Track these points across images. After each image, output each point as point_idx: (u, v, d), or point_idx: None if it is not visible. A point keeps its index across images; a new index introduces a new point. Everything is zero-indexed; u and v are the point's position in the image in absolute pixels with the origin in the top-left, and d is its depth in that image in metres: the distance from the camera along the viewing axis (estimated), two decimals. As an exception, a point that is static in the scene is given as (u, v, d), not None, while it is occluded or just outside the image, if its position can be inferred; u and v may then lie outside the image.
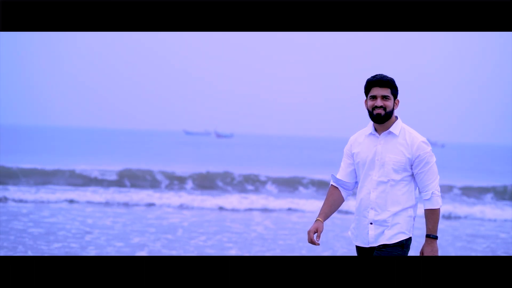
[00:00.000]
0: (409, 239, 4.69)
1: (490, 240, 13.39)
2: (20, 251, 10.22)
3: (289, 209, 17.43)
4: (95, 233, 12.33)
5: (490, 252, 11.88)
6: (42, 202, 16.93)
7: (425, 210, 4.69)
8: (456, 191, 22.23)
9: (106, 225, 13.38)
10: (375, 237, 4.70)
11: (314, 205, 17.83)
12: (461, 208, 18.06)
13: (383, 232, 4.67)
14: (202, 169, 24.45)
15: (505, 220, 16.85)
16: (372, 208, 4.71)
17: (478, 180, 26.88)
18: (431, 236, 4.65)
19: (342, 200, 4.92)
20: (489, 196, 21.94)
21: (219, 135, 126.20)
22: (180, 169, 23.65)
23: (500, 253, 11.82)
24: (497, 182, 24.79)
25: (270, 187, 22.30)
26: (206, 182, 22.25)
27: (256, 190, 21.82)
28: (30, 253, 10.10)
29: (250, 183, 22.45)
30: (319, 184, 22.61)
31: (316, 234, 4.74)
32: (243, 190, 21.61)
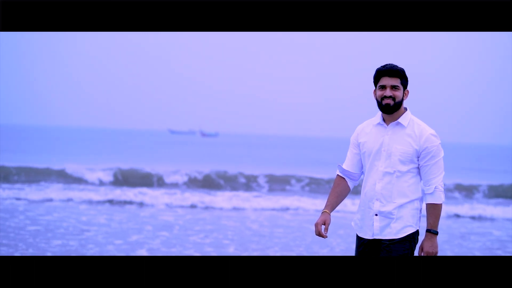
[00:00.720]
0: (416, 232, 4.65)
1: (485, 237, 13.51)
2: (21, 249, 10.19)
3: (283, 207, 17.46)
4: (92, 230, 12.32)
5: (486, 249, 11.98)
6: (36, 200, 16.86)
7: (427, 204, 4.63)
8: (449, 188, 22.36)
9: (102, 223, 13.37)
10: (380, 229, 4.64)
11: (307, 202, 17.93)
12: (455, 206, 18.17)
13: (388, 224, 4.62)
14: (193, 167, 24.47)
15: (498, 218, 16.98)
16: (377, 199, 4.65)
17: (471, 178, 27.00)
18: (432, 231, 4.59)
19: (348, 191, 4.86)
20: (481, 194, 22.11)
21: (204, 134, 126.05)
22: (171, 168, 23.62)
23: (496, 250, 11.92)
24: (492, 180, 24.93)
25: (262, 184, 22.35)
26: (198, 180, 22.25)
27: (249, 188, 21.87)
28: (31, 251, 10.08)
29: (242, 181, 22.49)
30: (312, 182, 22.70)
31: (323, 226, 4.69)
32: (236, 188, 21.66)
